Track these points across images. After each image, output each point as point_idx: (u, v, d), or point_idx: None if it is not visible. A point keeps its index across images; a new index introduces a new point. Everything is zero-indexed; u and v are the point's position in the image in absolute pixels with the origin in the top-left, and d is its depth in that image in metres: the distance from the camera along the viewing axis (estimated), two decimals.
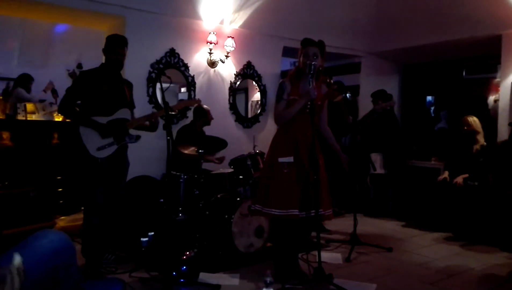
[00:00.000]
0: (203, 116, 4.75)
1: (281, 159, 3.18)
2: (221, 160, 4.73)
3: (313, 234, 3.36)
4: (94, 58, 6.08)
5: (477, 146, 4.90)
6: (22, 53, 7.10)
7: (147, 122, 3.62)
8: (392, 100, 6.02)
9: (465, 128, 4.97)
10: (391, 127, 5.96)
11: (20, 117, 5.21)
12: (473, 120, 4.98)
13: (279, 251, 3.42)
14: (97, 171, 3.36)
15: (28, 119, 5.21)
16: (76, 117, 3.43)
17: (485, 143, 4.92)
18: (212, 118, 4.82)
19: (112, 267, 3.53)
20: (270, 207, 3.17)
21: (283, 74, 6.00)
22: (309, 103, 3.13)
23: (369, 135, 6.01)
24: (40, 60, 7.26)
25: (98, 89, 3.42)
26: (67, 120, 5.55)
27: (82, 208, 4.00)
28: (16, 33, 6.94)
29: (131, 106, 3.64)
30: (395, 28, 6.37)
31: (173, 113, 5.07)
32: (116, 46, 3.48)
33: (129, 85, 3.71)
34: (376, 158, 5.91)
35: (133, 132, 3.55)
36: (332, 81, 5.10)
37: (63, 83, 7.37)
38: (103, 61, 3.56)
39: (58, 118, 5.47)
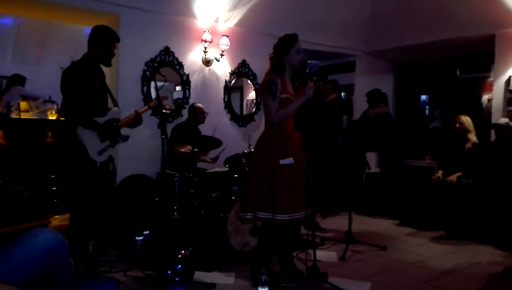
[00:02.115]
0: (193, 113, 4.77)
1: (282, 161, 3.03)
2: (215, 160, 4.73)
3: (308, 232, 3.37)
4: None
5: (468, 145, 4.93)
6: (15, 51, 7.05)
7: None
8: (386, 107, 6.05)
9: (456, 126, 5.01)
10: (386, 126, 5.99)
11: (14, 115, 5.17)
12: (465, 118, 5.01)
13: (262, 253, 3.27)
14: (94, 176, 3.28)
15: (22, 117, 5.17)
16: (81, 118, 3.18)
17: (477, 141, 4.95)
18: (204, 117, 4.81)
19: (107, 266, 3.52)
20: (279, 213, 2.99)
21: None
22: None
23: (364, 134, 6.04)
24: (33, 58, 7.21)
25: (93, 86, 3.27)
26: (61, 118, 5.52)
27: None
28: (10, 31, 6.89)
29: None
30: (390, 28, 6.39)
31: (168, 111, 5.12)
32: (116, 41, 3.41)
33: (104, 77, 3.54)
34: (371, 157, 5.93)
35: (122, 131, 3.48)
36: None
37: (57, 81, 7.37)
38: (88, 53, 3.34)
39: (52, 117, 5.43)
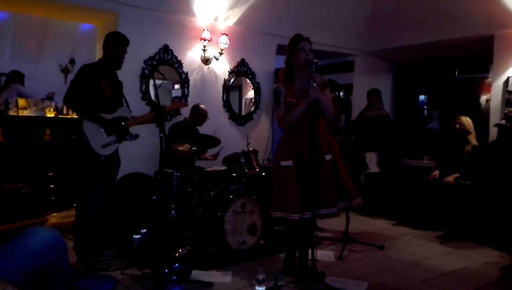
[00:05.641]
0: (194, 113, 4.79)
1: (282, 163, 3.18)
2: (215, 157, 4.73)
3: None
4: (87, 54, 6.06)
5: (468, 147, 4.93)
6: (14, 48, 7.04)
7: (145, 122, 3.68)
8: (383, 110, 6.06)
9: (457, 126, 5.00)
10: (384, 128, 5.99)
11: (12, 112, 5.16)
12: (466, 120, 5.01)
13: (290, 247, 3.48)
14: (98, 168, 3.35)
15: (20, 114, 5.16)
16: (84, 111, 3.33)
17: (476, 144, 4.94)
18: (203, 120, 4.81)
19: (104, 264, 3.52)
20: (275, 211, 3.17)
21: (277, 72, 6.00)
22: None
23: (364, 135, 6.04)
24: (32, 55, 7.21)
25: (101, 86, 3.39)
26: (60, 116, 5.52)
27: (74, 204, 3.99)
28: (8, 28, 6.88)
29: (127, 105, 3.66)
30: (389, 27, 6.40)
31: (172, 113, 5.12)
32: (121, 44, 3.48)
33: (121, 85, 3.72)
34: (371, 157, 5.94)
35: (131, 130, 3.56)
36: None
37: (56, 78, 7.38)
38: (101, 58, 3.53)
39: (50, 114, 5.42)
